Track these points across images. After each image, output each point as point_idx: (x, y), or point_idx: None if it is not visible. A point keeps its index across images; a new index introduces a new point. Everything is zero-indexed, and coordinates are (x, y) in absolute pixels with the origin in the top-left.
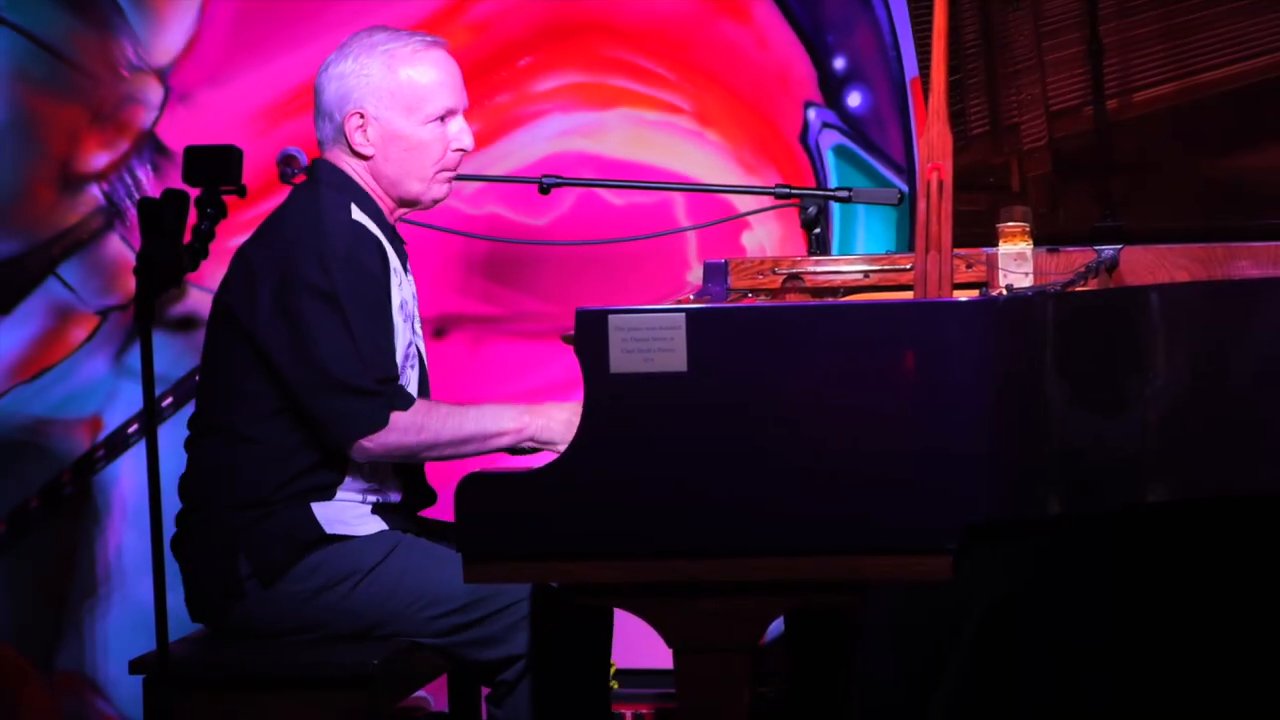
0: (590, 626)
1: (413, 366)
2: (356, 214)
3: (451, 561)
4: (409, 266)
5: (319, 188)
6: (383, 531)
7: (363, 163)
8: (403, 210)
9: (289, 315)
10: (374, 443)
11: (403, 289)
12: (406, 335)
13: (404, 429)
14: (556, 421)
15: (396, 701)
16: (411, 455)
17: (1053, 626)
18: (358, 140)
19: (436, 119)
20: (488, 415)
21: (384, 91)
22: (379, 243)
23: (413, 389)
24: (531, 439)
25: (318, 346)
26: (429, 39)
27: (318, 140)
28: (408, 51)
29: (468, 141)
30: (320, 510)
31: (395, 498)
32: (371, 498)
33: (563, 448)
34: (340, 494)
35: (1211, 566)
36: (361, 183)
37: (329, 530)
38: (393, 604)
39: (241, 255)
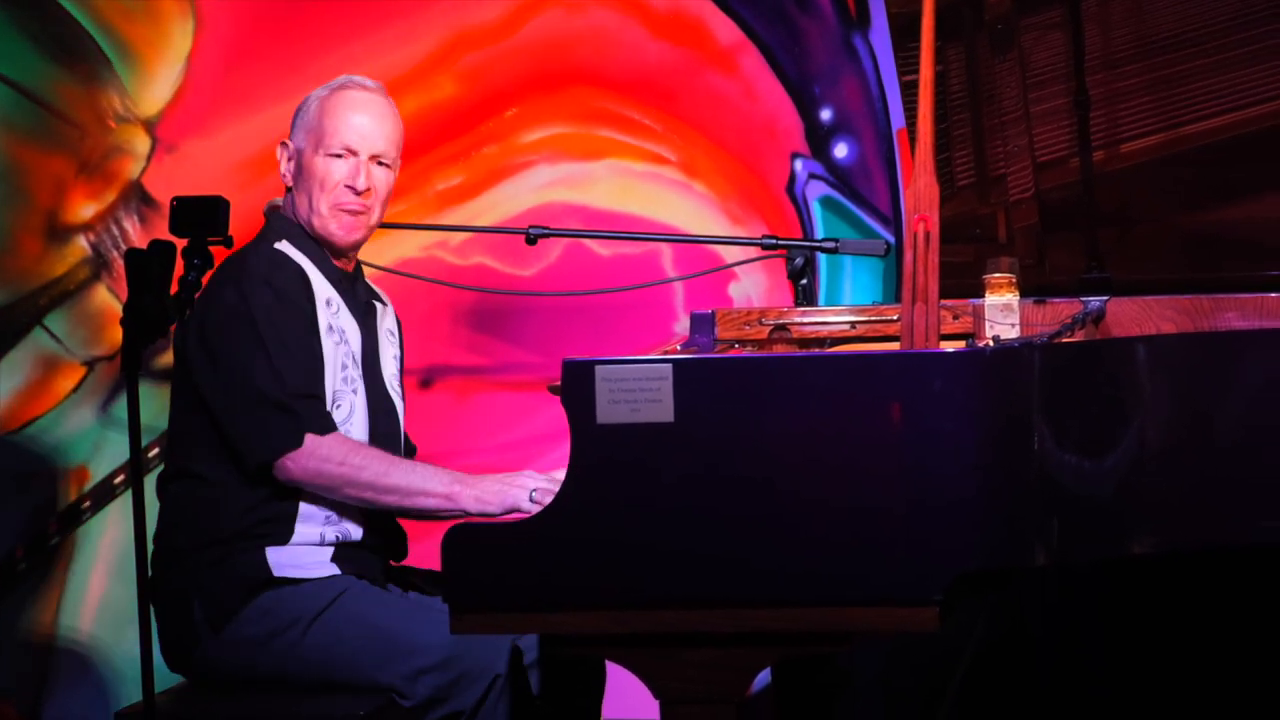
0: (580, 678)
1: (355, 391)
2: (283, 245)
3: (410, 609)
4: (376, 309)
5: (264, 230)
6: (335, 576)
7: (290, 195)
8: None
9: (208, 343)
10: (295, 463)
11: (339, 317)
12: (338, 357)
13: (325, 456)
14: (489, 493)
15: None
16: (331, 487)
17: (1039, 675)
18: (281, 169)
19: (335, 154)
20: (418, 472)
21: (304, 124)
22: (299, 269)
23: (358, 418)
24: (462, 510)
25: (233, 365)
26: (360, 81)
27: None
28: (334, 87)
29: (360, 183)
30: (274, 555)
31: (356, 534)
32: (331, 534)
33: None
34: (299, 529)
35: (1203, 616)
36: (299, 219)
37: (277, 574)
38: (340, 650)
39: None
